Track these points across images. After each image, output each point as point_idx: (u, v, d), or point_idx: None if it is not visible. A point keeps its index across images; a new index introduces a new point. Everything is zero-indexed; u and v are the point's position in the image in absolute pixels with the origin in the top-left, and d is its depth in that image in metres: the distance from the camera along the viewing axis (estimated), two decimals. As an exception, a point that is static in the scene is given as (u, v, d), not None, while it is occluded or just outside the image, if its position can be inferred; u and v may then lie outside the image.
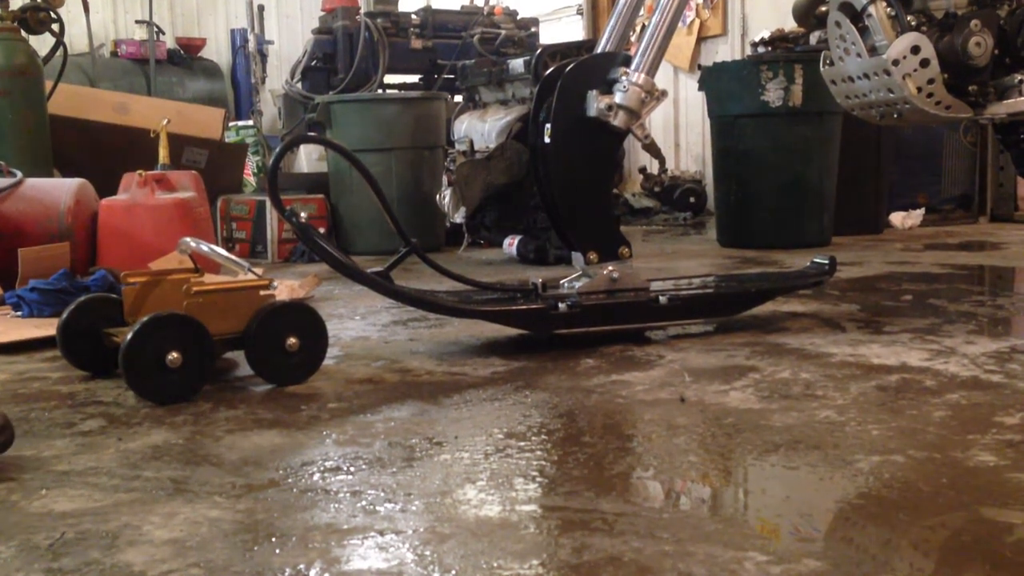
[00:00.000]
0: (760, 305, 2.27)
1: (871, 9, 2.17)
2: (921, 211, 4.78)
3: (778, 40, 4.86)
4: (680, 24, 2.63)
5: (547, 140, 2.10)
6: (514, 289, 2.17)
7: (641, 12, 2.29)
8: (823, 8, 2.47)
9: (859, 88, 2.27)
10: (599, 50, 2.19)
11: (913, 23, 2.19)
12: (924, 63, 2.13)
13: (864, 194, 4.45)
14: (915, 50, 2.13)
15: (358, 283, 1.95)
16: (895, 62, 2.12)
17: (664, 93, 2.12)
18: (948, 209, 4.95)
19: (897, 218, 4.72)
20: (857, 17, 2.22)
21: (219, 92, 6.72)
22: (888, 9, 2.18)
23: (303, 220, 1.88)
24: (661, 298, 2.08)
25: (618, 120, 2.06)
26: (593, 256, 2.10)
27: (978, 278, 3.06)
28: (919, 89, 2.14)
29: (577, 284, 2.10)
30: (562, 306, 2.02)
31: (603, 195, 2.21)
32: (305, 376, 1.80)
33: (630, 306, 2.08)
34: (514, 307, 2.04)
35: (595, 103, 2.06)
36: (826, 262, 2.28)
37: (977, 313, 2.33)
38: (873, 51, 2.20)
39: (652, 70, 2.09)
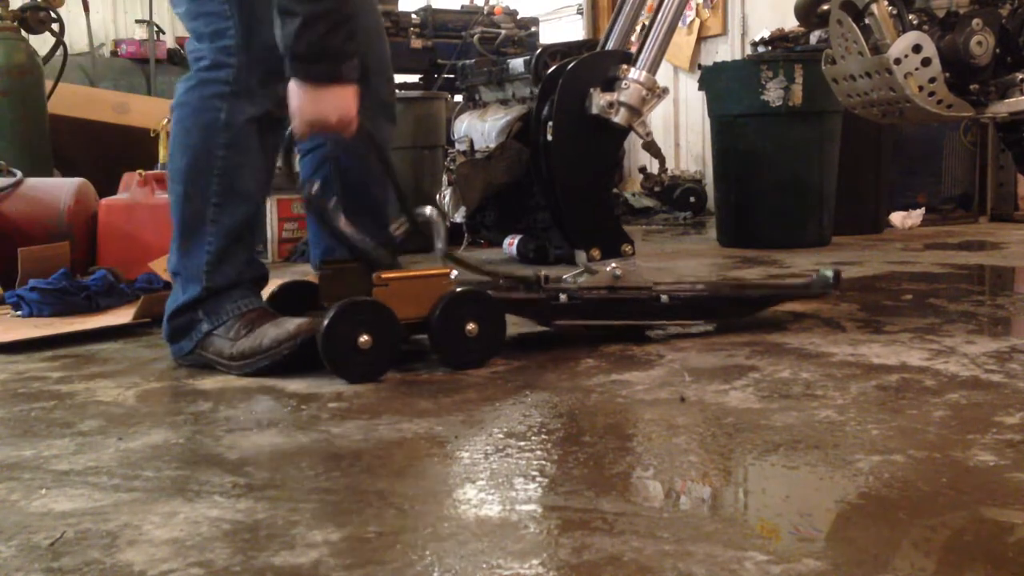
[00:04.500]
0: (761, 311, 2.25)
1: (873, 8, 2.17)
2: (921, 211, 4.78)
3: (778, 40, 4.87)
4: (680, 24, 2.64)
5: (550, 138, 2.11)
6: (518, 279, 2.17)
7: (641, 12, 2.29)
8: (825, 7, 2.48)
9: (861, 87, 2.28)
10: (602, 48, 2.20)
11: (915, 22, 2.20)
12: (926, 62, 2.13)
13: (864, 194, 4.45)
14: (917, 49, 2.13)
15: (366, 261, 1.97)
16: (897, 61, 2.13)
17: (665, 90, 2.13)
18: (948, 209, 4.95)
19: (897, 218, 4.72)
20: (859, 15, 2.22)
21: (219, 92, 6.70)
22: (890, 8, 2.19)
23: (314, 192, 1.93)
24: (663, 297, 2.09)
25: (619, 117, 2.06)
26: (596, 253, 2.11)
27: (978, 278, 3.06)
28: (920, 88, 2.14)
29: (580, 280, 2.11)
30: (563, 297, 2.03)
31: (605, 192, 2.22)
32: (483, 360, 1.89)
33: (632, 302, 2.09)
34: (515, 296, 2.05)
35: (596, 100, 2.06)
36: (830, 275, 2.27)
37: (977, 313, 2.33)
38: (875, 50, 2.21)
39: (653, 67, 2.09)
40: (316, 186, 1.99)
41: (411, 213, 2.01)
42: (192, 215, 1.95)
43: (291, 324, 1.87)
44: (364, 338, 1.78)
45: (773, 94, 3.89)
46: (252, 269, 2.00)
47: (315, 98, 1.83)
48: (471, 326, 1.87)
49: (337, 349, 1.78)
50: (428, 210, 2.01)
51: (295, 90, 1.83)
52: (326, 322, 1.78)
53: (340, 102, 1.84)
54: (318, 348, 1.77)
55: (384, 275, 1.88)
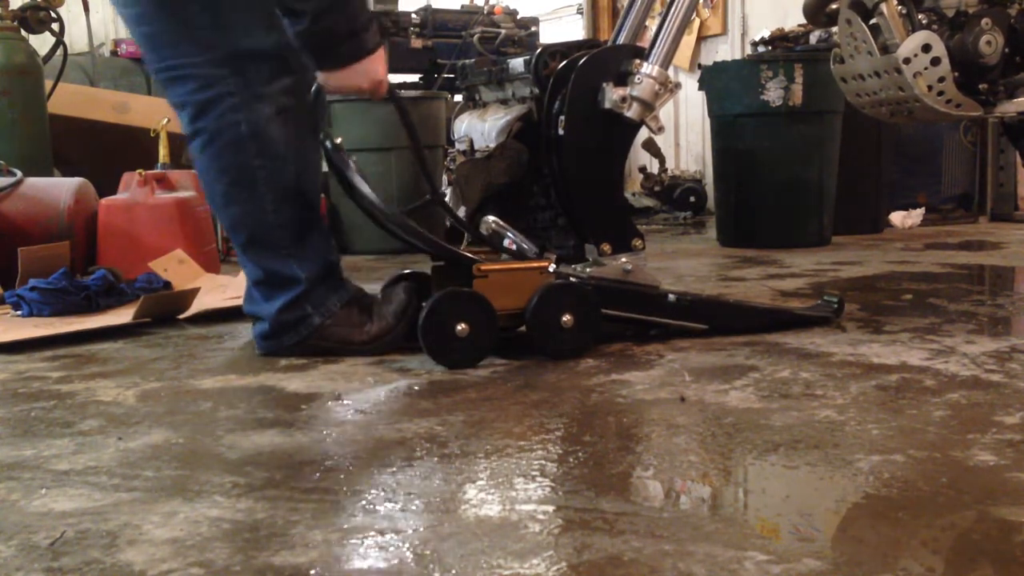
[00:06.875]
0: (762, 328, 2.17)
1: (882, 7, 2.17)
2: (921, 211, 4.78)
3: (778, 39, 4.86)
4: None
5: (561, 132, 2.11)
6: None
7: (652, 6, 2.29)
8: (834, 6, 2.48)
9: (869, 86, 2.27)
10: (613, 43, 2.19)
11: (924, 21, 2.20)
12: (935, 61, 2.13)
13: (864, 194, 4.45)
14: (926, 48, 2.13)
15: (378, 225, 2.04)
16: (906, 60, 2.12)
17: (678, 85, 2.11)
18: (948, 209, 4.95)
19: (897, 218, 4.72)
20: (868, 15, 2.22)
21: (219, 92, 6.69)
22: (899, 7, 2.19)
23: (338, 143, 1.97)
24: (670, 296, 2.09)
25: (632, 112, 2.06)
26: (607, 248, 2.11)
27: (978, 278, 3.06)
28: (930, 87, 2.14)
29: (588, 271, 2.11)
30: (572, 280, 2.03)
31: (616, 187, 2.22)
32: (578, 351, 1.94)
33: (637, 295, 2.09)
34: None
35: (609, 95, 2.06)
36: (835, 300, 2.26)
37: (977, 313, 2.33)
38: (884, 49, 2.20)
39: (666, 62, 2.08)
40: (340, 141, 2.00)
41: (433, 182, 2.03)
42: (257, 227, 1.98)
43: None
44: (462, 327, 1.85)
45: (773, 94, 3.89)
46: (333, 252, 2.07)
47: (344, 76, 1.89)
48: (567, 317, 1.92)
49: (436, 336, 1.86)
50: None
51: (323, 75, 1.88)
52: (426, 311, 1.86)
53: (370, 72, 1.90)
54: (418, 332, 1.87)
55: (483, 267, 1.94)
